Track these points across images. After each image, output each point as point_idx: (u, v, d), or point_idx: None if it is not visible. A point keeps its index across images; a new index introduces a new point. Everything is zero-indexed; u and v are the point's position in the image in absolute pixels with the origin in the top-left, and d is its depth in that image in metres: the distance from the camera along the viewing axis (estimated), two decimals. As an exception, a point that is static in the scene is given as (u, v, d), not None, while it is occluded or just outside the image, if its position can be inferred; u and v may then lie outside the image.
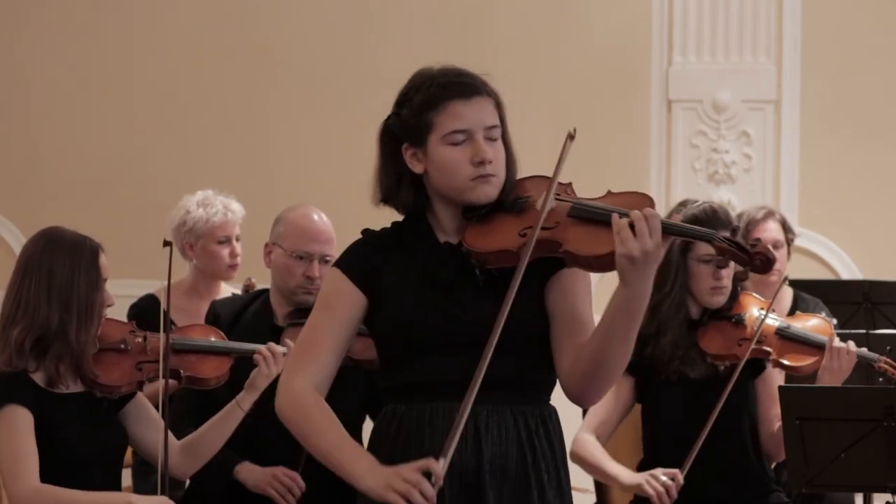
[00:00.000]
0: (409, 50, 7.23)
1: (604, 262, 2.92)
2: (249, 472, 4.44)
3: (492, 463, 2.99)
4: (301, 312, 4.48)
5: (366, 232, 3.16)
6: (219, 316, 4.60)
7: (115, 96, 7.70)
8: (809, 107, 7.28)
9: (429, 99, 3.04)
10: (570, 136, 2.98)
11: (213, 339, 4.31)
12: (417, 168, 3.06)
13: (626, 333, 2.92)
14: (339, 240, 4.59)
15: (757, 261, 2.93)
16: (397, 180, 3.08)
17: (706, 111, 7.30)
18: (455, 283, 3.02)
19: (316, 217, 4.59)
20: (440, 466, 2.86)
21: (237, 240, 5.43)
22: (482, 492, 2.98)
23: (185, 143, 7.65)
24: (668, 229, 2.89)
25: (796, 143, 7.28)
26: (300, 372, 3.07)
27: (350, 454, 3.00)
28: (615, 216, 2.88)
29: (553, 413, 3.10)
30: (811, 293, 5.83)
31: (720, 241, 2.93)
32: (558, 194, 3.03)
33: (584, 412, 4.79)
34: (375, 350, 3.13)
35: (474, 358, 2.90)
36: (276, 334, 4.44)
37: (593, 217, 2.96)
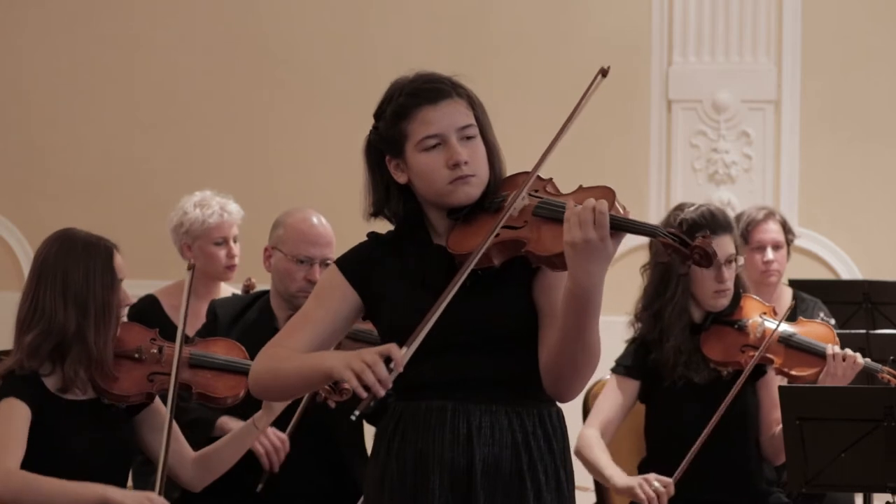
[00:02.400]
0: (408, 50, 7.23)
1: (563, 262, 2.86)
2: (232, 425, 4.30)
3: (484, 462, 2.98)
4: (300, 317, 4.47)
5: (371, 235, 3.18)
6: (218, 315, 4.59)
7: (115, 97, 7.70)
8: (809, 107, 7.28)
9: (399, 109, 3.07)
10: (603, 73, 3.01)
11: (233, 356, 4.19)
12: (401, 178, 3.09)
13: (577, 326, 2.88)
14: (339, 241, 4.59)
15: (696, 255, 2.85)
16: (385, 192, 3.12)
17: (706, 111, 7.29)
18: (443, 285, 2.99)
19: (315, 220, 4.58)
20: (402, 353, 2.85)
21: (235, 241, 5.42)
22: (473, 491, 2.97)
23: (185, 143, 7.64)
24: (615, 225, 2.84)
25: (796, 143, 7.28)
26: (275, 345, 3.10)
27: (316, 356, 3.01)
28: (568, 205, 2.84)
29: (555, 413, 3.09)
30: (811, 293, 5.83)
31: (664, 236, 2.87)
32: (536, 190, 3.01)
33: (584, 413, 4.78)
34: None
35: (463, 358, 2.95)
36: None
37: (555, 216, 2.92)
